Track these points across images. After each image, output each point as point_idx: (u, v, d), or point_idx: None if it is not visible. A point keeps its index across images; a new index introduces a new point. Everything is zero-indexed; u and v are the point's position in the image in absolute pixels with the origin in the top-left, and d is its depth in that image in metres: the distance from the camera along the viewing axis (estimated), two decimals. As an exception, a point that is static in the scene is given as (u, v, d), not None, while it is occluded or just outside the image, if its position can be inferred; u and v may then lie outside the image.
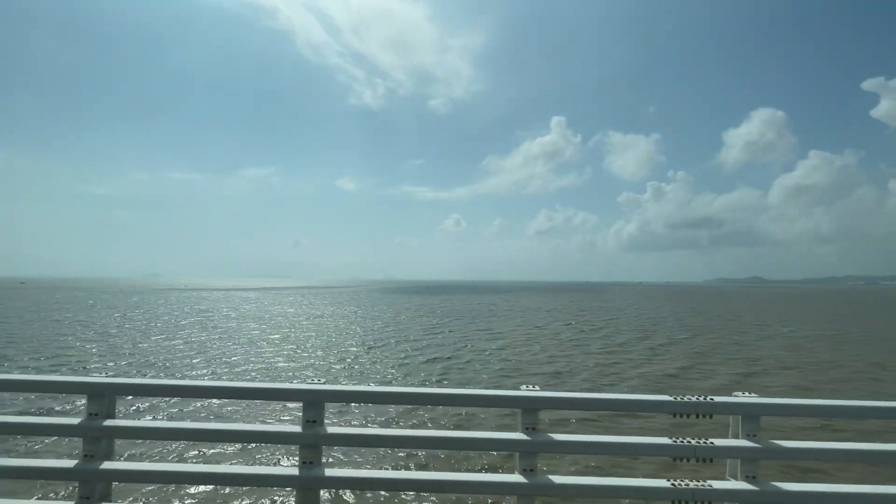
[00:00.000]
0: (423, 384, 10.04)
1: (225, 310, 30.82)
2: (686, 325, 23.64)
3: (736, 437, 2.88)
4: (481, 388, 3.15)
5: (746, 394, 2.94)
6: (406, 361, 12.59)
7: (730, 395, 2.94)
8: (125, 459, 4.79)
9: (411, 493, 4.42)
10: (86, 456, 2.85)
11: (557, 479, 2.75)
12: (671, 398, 2.86)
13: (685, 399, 2.85)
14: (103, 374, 2.94)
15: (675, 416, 2.87)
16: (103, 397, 2.94)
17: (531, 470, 2.76)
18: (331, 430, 2.92)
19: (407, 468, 5.25)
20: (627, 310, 36.20)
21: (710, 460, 2.76)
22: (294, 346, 14.83)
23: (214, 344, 15.12)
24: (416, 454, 5.61)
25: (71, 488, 4.22)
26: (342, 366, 11.84)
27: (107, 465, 2.85)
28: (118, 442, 5.10)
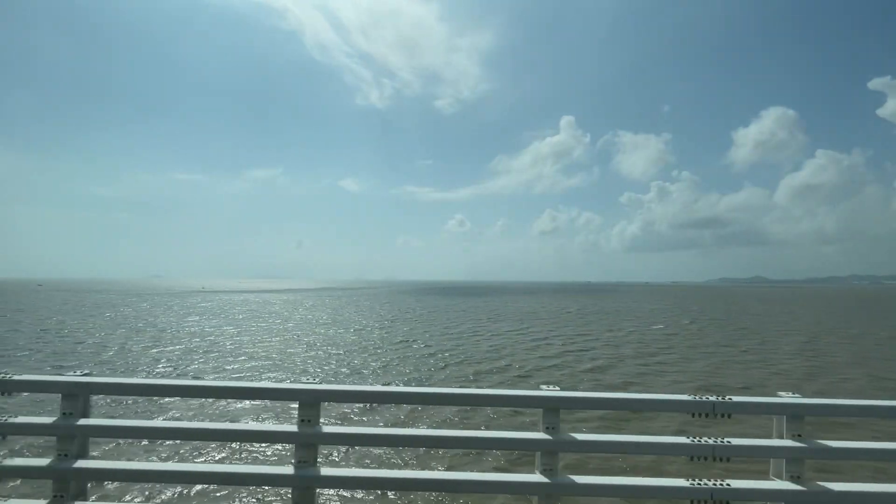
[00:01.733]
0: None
1: (298, 314, 30.71)
2: (777, 323, 23.44)
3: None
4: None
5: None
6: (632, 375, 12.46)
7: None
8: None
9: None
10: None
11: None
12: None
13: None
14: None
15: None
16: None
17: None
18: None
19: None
20: (685, 309, 35.98)
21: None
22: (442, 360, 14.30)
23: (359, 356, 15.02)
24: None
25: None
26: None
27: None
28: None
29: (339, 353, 13.76)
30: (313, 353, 13.87)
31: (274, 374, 10.80)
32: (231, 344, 15.42)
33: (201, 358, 12.74)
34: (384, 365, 12.06)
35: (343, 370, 11.40)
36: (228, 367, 11.51)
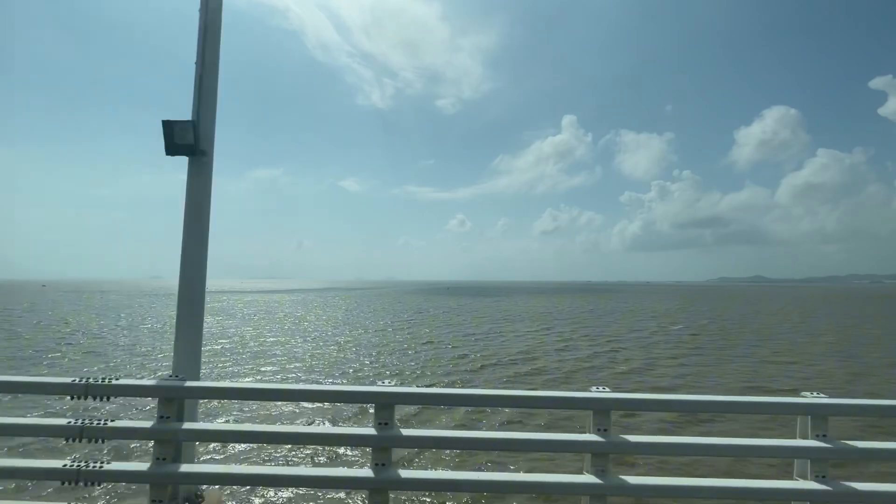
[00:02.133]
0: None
1: (318, 314, 30.55)
2: (795, 323, 23.33)
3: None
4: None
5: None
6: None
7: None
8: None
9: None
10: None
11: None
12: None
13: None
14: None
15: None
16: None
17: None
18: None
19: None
20: (696, 309, 35.86)
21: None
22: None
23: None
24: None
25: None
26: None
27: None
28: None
29: (371, 355, 13.62)
30: (343, 354, 13.73)
31: (312, 376, 10.67)
32: (257, 345, 15.28)
33: (231, 360, 12.59)
34: (421, 366, 11.92)
35: (384, 371, 11.26)
36: (264, 369, 11.37)
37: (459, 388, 9.39)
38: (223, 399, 6.32)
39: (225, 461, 5.37)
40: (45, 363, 11.73)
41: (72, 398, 3.14)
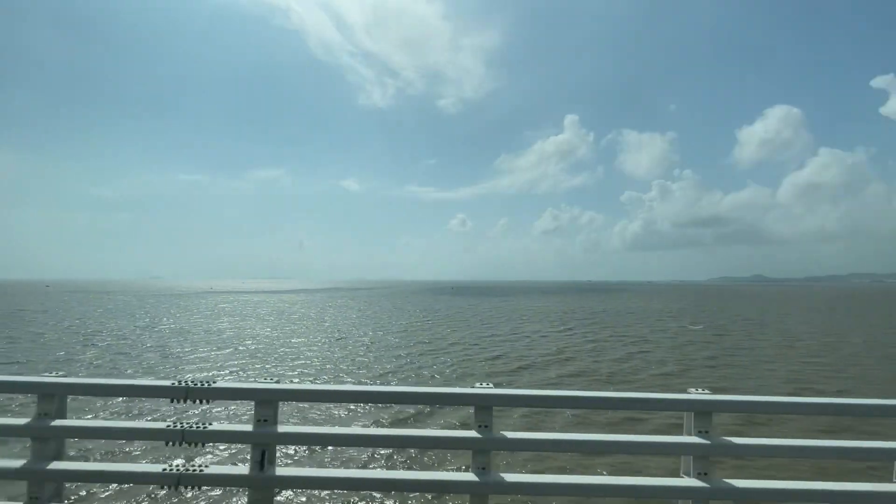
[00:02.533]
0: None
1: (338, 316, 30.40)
2: (815, 323, 23.20)
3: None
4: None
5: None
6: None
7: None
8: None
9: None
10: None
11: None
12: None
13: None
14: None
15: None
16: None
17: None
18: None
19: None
20: (709, 309, 35.72)
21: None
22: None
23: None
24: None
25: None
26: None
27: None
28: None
29: (402, 356, 13.49)
30: (374, 355, 13.59)
31: (354, 377, 10.53)
32: (286, 347, 15.14)
33: (269, 362, 12.45)
34: (457, 368, 11.80)
35: (424, 372, 11.13)
36: (307, 371, 11.23)
37: (565, 389, 9.25)
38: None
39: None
40: (79, 365, 11.59)
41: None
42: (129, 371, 11.01)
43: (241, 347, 14.83)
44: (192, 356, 13.13)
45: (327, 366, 11.94)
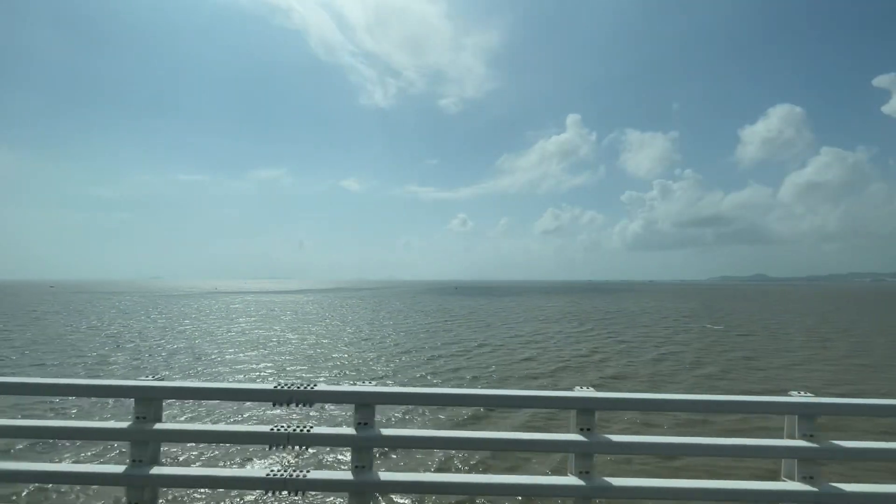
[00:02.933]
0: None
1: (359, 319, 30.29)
2: (835, 321, 23.07)
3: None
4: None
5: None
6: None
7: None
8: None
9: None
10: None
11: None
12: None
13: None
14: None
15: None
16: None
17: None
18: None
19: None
20: (721, 308, 35.61)
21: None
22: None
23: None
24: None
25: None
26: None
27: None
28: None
29: (433, 357, 13.37)
30: (407, 357, 13.47)
31: (397, 379, 10.41)
32: (319, 349, 15.03)
33: (296, 363, 12.34)
34: (497, 370, 11.67)
35: (466, 375, 10.99)
36: (349, 374, 11.12)
37: (664, 392, 9.13)
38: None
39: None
40: (112, 368, 11.47)
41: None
42: (165, 372, 10.88)
43: (271, 349, 14.71)
44: (227, 358, 13.00)
45: (363, 368, 11.83)
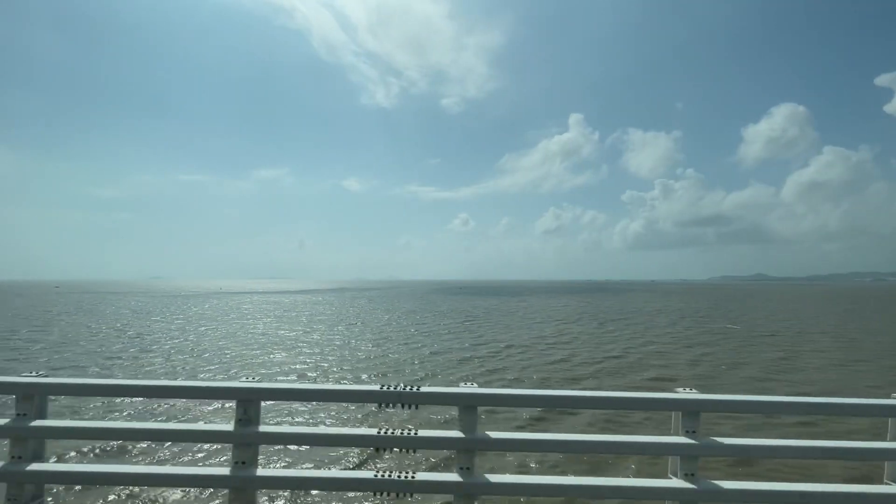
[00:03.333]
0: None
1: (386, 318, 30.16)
2: (853, 321, 22.94)
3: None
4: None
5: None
6: None
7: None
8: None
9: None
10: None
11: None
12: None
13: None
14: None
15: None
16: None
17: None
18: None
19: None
20: (732, 308, 35.49)
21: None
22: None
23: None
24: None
25: None
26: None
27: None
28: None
29: (467, 358, 13.26)
30: (441, 358, 13.36)
31: (438, 382, 10.29)
32: (340, 350, 14.92)
33: (327, 364, 12.24)
34: (534, 372, 11.57)
35: (508, 376, 10.90)
36: (382, 373, 11.00)
37: (553, 389, 9.04)
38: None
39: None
40: (146, 369, 11.37)
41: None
42: (202, 375, 10.78)
43: (297, 350, 14.61)
44: (260, 360, 12.91)
45: (402, 369, 11.73)
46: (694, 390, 3.00)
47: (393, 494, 2.88)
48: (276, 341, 16.68)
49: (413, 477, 2.87)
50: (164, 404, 7.40)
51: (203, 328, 20.78)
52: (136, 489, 4.37)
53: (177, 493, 4.32)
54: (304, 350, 14.71)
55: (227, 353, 13.81)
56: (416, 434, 2.97)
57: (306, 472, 3.12)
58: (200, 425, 3.27)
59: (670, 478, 2.88)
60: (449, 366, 12.27)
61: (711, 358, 13.66)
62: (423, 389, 3.03)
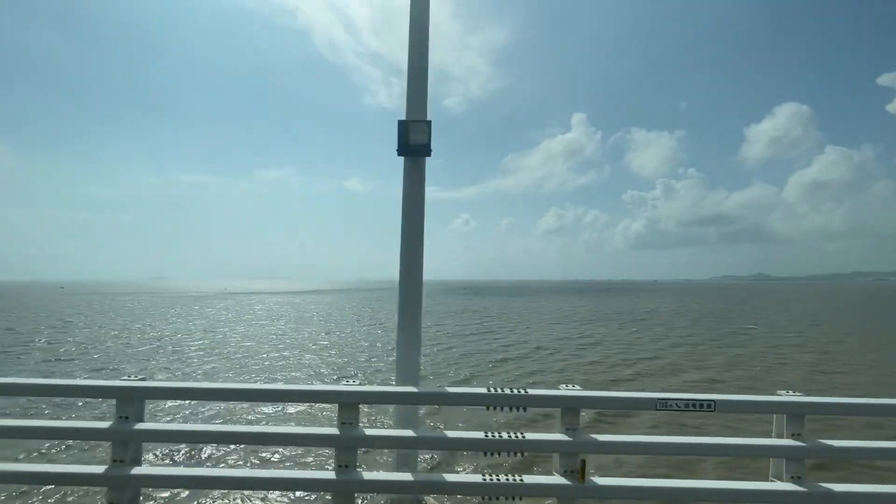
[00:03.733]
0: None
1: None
2: (870, 320, 22.80)
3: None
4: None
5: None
6: None
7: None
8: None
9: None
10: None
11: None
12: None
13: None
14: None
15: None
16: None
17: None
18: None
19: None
20: (746, 308, 35.36)
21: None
22: None
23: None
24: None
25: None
26: None
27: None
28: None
29: (498, 360, 13.14)
30: (475, 359, 13.25)
31: (481, 383, 10.18)
32: (367, 352, 14.81)
33: (363, 367, 12.13)
34: (572, 372, 11.45)
35: (545, 378, 10.77)
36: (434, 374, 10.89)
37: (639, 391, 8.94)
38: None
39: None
40: (180, 371, 11.28)
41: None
42: (228, 374, 10.68)
43: (326, 358, 14.52)
44: (297, 362, 12.83)
45: (438, 371, 11.63)
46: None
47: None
48: (299, 343, 16.56)
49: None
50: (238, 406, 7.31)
51: (226, 329, 20.66)
52: (236, 493, 4.22)
53: (274, 495, 4.21)
54: (330, 352, 14.62)
55: (263, 357, 13.72)
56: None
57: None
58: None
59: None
60: (482, 366, 12.18)
61: (746, 360, 13.52)
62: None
